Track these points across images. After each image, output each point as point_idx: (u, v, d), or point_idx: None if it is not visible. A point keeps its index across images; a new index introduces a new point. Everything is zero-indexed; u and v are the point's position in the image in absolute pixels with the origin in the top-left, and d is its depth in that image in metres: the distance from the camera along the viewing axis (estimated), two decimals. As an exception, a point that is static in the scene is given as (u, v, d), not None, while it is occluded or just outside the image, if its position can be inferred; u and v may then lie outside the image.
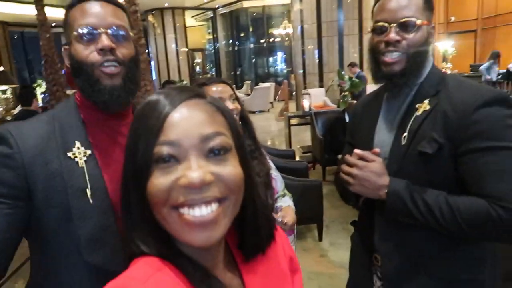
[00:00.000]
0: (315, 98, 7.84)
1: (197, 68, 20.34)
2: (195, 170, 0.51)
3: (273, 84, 14.56)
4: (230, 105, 1.40)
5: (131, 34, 0.96)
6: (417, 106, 1.06)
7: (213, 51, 19.44)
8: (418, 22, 1.04)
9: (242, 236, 0.64)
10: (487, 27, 12.20)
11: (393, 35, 1.04)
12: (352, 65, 7.79)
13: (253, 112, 12.97)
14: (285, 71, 17.68)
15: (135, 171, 0.55)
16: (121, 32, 0.92)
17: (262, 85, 14.12)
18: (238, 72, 18.74)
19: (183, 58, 16.72)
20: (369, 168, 1.02)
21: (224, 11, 17.68)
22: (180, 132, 0.53)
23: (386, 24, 1.05)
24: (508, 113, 0.95)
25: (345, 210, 3.80)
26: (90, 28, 0.90)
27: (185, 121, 0.53)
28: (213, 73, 19.40)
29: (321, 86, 8.59)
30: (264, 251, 0.65)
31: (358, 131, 1.26)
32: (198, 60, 20.60)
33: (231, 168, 0.54)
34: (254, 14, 17.70)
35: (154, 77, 15.73)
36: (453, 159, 0.98)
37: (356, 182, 1.03)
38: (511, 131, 0.94)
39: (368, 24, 8.66)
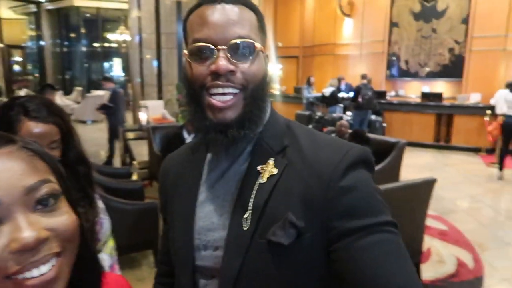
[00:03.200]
0: (154, 110, 7.60)
1: (16, 68, 17.52)
2: (25, 229, 0.44)
3: (108, 92, 13.58)
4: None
5: None
6: (259, 168, 0.72)
7: (36, 50, 17.02)
8: (258, 45, 0.71)
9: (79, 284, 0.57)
10: (307, 55, 14.00)
11: (223, 63, 0.68)
12: (106, 79, 7.31)
13: (84, 122, 11.86)
14: (122, 79, 16.72)
15: None
16: None
17: (96, 92, 13.02)
18: (67, 76, 16.87)
19: (-4, 55, 14.16)
20: None
21: (51, 7, 15.73)
22: None
23: (211, 46, 0.69)
24: (370, 176, 0.70)
25: (183, 230, 3.70)
26: None
27: (1, 175, 0.46)
28: (36, 75, 16.99)
29: (160, 98, 8.38)
30: None
31: (173, 206, 0.84)
32: (18, 58, 17.77)
33: (65, 218, 0.49)
34: (87, 15, 16.27)
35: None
36: (321, 249, 0.66)
37: None
38: (378, 198, 0.68)
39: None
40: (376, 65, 11.86)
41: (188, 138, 5.14)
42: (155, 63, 8.42)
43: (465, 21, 10.33)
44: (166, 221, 0.91)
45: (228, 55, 0.69)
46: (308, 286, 0.68)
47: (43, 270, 0.46)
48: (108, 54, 17.12)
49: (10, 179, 0.46)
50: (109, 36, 15.80)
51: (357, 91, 8.19)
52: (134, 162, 6.30)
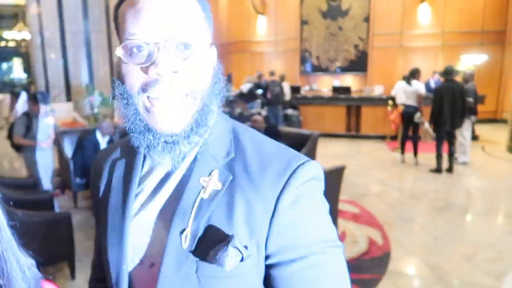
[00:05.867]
0: (63, 114, 7.10)
1: None
2: None
3: (9, 95, 12.32)
4: None
5: None
6: (201, 181, 0.65)
7: None
8: (201, 42, 0.63)
9: None
10: (223, 53, 14.04)
11: (164, 64, 0.59)
12: None
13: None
14: (24, 81, 15.27)
15: None
16: None
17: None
18: (-44, 80, 14.98)
19: None
20: None
21: None
22: None
23: (147, 43, 0.59)
24: (320, 189, 0.66)
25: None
26: None
27: None
28: None
29: (69, 100, 7.84)
30: None
31: (105, 211, 0.75)
32: None
33: None
34: (-23, 11, 14.56)
35: None
36: (259, 272, 0.65)
37: None
38: (323, 219, 0.66)
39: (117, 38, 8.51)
40: (291, 61, 12.34)
41: (102, 140, 4.89)
42: (61, 64, 7.83)
43: (367, 19, 11.21)
44: (97, 222, 0.81)
45: (168, 54, 0.59)
46: None
47: None
48: (5, 54, 15.51)
49: None
50: (6, 34, 14.31)
51: (266, 87, 8.50)
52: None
